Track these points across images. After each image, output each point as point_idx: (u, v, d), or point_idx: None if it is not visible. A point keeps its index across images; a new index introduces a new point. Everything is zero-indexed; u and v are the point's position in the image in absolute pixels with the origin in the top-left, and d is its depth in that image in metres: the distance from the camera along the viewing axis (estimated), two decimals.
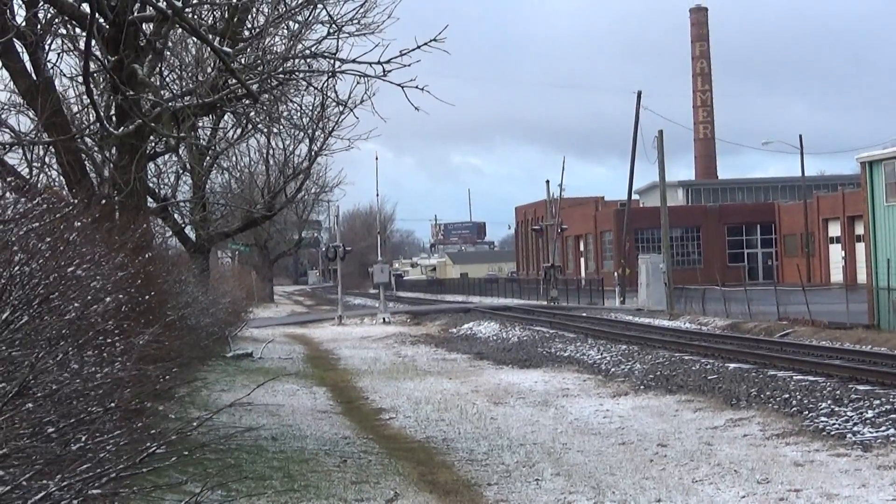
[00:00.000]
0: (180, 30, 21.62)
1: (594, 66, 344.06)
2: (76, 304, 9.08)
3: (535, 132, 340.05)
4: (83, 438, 7.27)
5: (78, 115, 24.29)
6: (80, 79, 23.41)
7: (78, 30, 21.88)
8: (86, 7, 19.35)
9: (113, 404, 7.70)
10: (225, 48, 14.41)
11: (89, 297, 9.69)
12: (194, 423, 8.62)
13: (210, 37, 20.56)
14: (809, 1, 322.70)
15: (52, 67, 21.36)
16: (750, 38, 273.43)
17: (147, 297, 13.42)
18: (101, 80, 22.11)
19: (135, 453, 7.16)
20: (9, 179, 16.15)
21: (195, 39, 22.83)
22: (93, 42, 21.91)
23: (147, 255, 15.69)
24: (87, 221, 10.93)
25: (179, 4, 9.92)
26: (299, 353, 42.26)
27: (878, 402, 21.50)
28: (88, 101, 25.61)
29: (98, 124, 18.40)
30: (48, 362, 7.69)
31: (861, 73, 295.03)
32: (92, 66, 22.28)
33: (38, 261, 8.45)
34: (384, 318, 64.61)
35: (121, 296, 11.19)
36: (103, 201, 16.99)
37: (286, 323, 65.77)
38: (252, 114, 27.95)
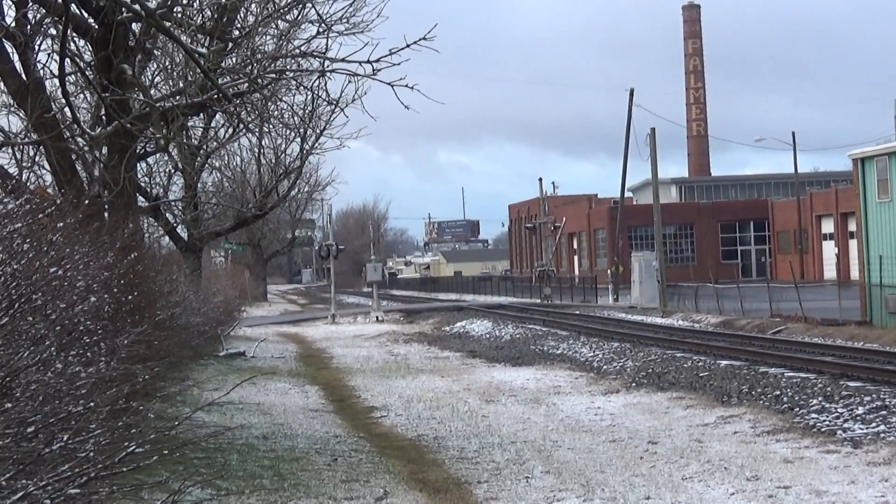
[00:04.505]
0: None
1: (575, 64, 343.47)
2: (61, 305, 9.08)
3: (522, 130, 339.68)
4: (64, 438, 7.27)
5: (67, 116, 24.29)
6: (71, 79, 23.42)
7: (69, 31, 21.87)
8: (74, 8, 19.33)
9: (92, 403, 7.69)
10: (200, 49, 14.41)
11: (75, 298, 9.68)
12: (175, 422, 8.61)
13: (199, 37, 20.61)
14: None
15: (41, 68, 21.37)
16: (736, 35, 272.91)
17: (133, 296, 13.40)
18: (88, 79, 22.09)
19: (114, 452, 7.16)
20: None
21: (186, 39, 22.82)
22: (80, 42, 21.94)
23: (135, 255, 15.69)
24: (71, 221, 10.92)
25: (152, 6, 9.94)
26: (292, 352, 42.24)
27: (868, 398, 21.53)
28: (80, 101, 25.71)
29: (75, 125, 18.37)
30: (29, 362, 7.68)
31: (848, 70, 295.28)
32: (79, 65, 22.30)
33: (21, 261, 8.45)
34: (377, 317, 64.64)
35: (106, 296, 11.18)
36: (87, 201, 16.95)
37: (279, 322, 65.73)
38: (243, 113, 27.93)
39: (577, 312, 60.01)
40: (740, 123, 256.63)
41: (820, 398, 22.31)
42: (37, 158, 23.06)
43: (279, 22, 21.59)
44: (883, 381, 23.90)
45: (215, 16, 20.72)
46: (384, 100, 18.84)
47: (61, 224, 10.26)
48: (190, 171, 40.14)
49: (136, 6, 10.17)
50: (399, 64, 18.20)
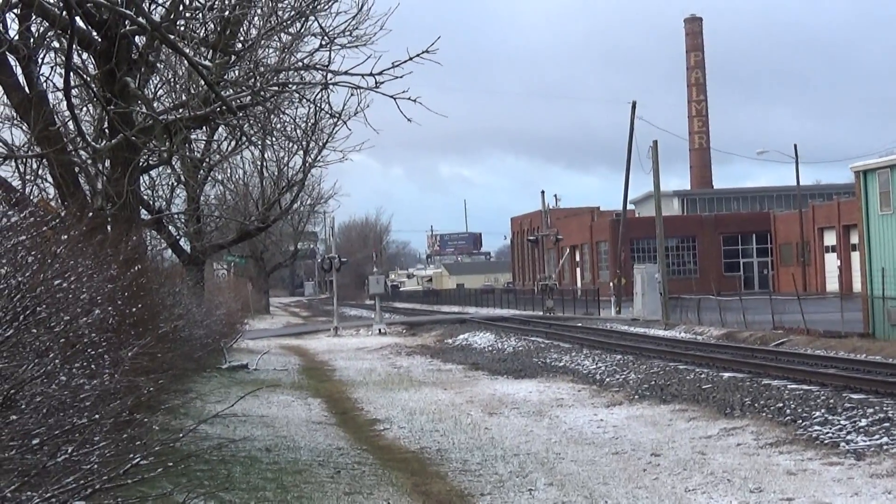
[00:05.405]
0: None
1: (577, 77, 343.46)
2: (65, 317, 9.10)
3: (523, 143, 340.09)
4: (69, 450, 7.29)
5: (72, 129, 24.32)
6: (74, 91, 23.46)
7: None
8: (78, 21, 19.36)
9: (96, 416, 7.70)
10: (205, 62, 14.45)
11: (79, 310, 9.70)
12: (179, 435, 8.62)
13: (202, 50, 20.66)
14: (794, 10, 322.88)
15: (44, 81, 21.40)
16: (738, 47, 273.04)
17: (136, 309, 13.43)
18: (92, 92, 22.13)
19: (119, 464, 7.17)
20: (0, 193, 16.18)
21: (190, 52, 22.84)
22: (83, 56, 21.98)
23: (138, 268, 15.71)
24: (74, 234, 10.95)
25: (158, 20, 9.98)
26: (295, 365, 42.23)
27: (871, 410, 21.51)
28: (83, 113, 25.73)
29: (80, 138, 18.40)
30: (34, 374, 7.70)
31: (850, 81, 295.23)
32: (83, 78, 22.33)
33: (25, 274, 8.47)
34: (380, 329, 64.61)
35: (110, 308, 11.20)
36: (90, 214, 16.99)
37: (282, 334, 65.73)
38: (246, 126, 27.96)
39: (580, 325, 59.97)
40: (742, 136, 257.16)
41: (823, 410, 22.29)
42: (40, 171, 23.09)
43: (282, 35, 21.62)
44: (886, 393, 23.89)
45: (218, 29, 20.76)
46: (386, 112, 18.92)
47: (65, 237, 10.29)
48: (193, 184, 40.20)
49: (142, 19, 10.21)
50: (402, 77, 18.28)
